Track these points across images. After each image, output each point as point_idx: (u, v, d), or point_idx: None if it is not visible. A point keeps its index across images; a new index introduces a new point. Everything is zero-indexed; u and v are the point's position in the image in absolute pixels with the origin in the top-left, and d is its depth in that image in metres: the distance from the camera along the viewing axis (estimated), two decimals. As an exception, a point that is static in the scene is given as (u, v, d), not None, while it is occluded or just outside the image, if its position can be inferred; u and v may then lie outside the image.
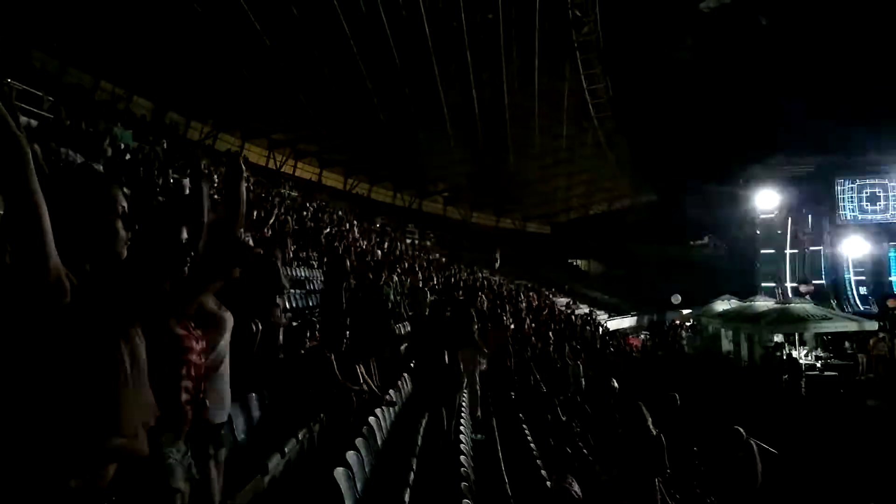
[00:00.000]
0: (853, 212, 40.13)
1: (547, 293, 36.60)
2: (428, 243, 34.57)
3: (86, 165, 4.20)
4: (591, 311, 36.50)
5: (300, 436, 4.78)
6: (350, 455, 4.30)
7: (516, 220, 51.38)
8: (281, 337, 6.40)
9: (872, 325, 19.38)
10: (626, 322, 41.69)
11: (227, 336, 2.59)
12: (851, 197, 40.44)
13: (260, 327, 5.31)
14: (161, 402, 1.92)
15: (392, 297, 8.92)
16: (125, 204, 1.70)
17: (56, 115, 12.95)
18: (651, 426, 6.07)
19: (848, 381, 16.76)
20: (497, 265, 30.21)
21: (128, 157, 12.63)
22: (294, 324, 7.50)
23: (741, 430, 6.55)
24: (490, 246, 39.32)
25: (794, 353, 18.30)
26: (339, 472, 3.89)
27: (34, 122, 11.36)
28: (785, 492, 7.70)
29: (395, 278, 10.95)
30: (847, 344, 20.10)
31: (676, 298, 41.37)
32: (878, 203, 40.05)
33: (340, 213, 26.23)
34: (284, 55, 24.60)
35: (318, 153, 36.55)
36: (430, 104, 31.55)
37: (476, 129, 35.00)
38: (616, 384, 6.74)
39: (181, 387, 1.98)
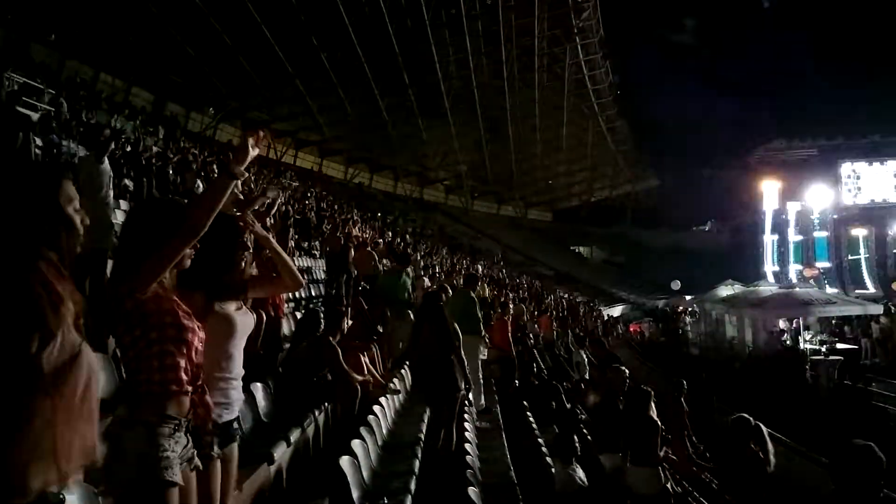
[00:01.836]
0: (857, 194, 39.92)
1: (549, 280, 36.60)
2: (429, 231, 34.52)
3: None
4: (592, 298, 36.57)
5: (306, 425, 4.80)
6: (355, 444, 4.31)
7: (517, 208, 51.30)
8: (285, 327, 6.41)
9: (877, 309, 19.34)
10: (628, 309, 41.70)
11: (237, 337, 2.57)
12: (855, 179, 40.23)
13: (264, 317, 5.32)
14: (164, 387, 1.93)
15: (407, 286, 8.91)
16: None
17: (57, 108, 12.93)
18: (653, 412, 6.07)
19: (853, 365, 16.73)
20: (499, 258, 30.24)
21: (128, 148, 12.60)
22: (298, 314, 7.50)
23: (748, 416, 6.52)
24: (491, 234, 39.40)
25: (799, 338, 18.27)
26: (344, 461, 3.90)
27: (35, 116, 11.33)
28: (793, 479, 7.72)
29: (411, 270, 10.94)
30: (846, 328, 20.08)
31: (676, 284, 41.35)
32: (882, 185, 39.85)
33: (341, 202, 26.22)
34: (283, 45, 24.51)
35: (319, 142, 36.46)
36: (430, 92, 31.44)
37: (477, 116, 34.89)
38: (626, 372, 6.74)
39: (181, 368, 1.98)
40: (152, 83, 25.25)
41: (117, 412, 1.93)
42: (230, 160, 2.12)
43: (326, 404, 5.37)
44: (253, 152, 2.11)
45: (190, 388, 2.01)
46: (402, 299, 8.61)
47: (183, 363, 1.98)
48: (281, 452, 4.09)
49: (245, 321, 2.64)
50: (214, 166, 13.32)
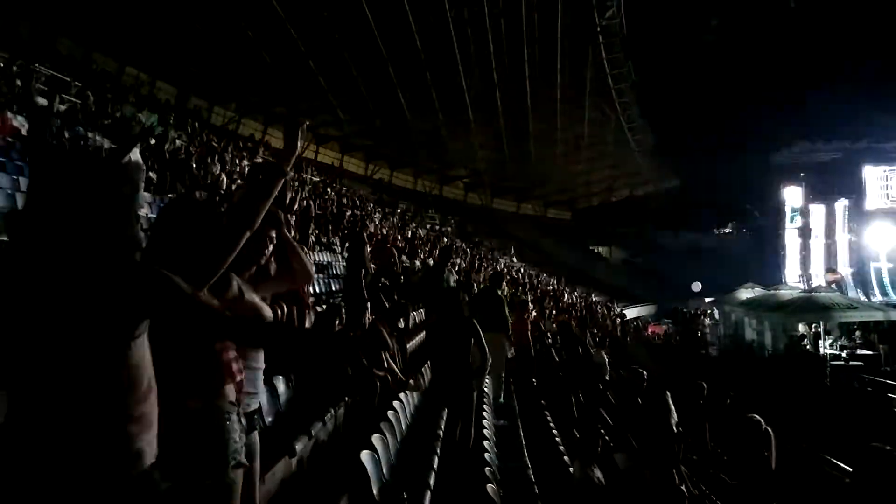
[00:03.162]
0: (881, 199, 39.24)
1: (568, 280, 36.46)
2: (448, 229, 34.53)
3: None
4: (611, 298, 36.37)
5: (326, 419, 4.84)
6: (376, 438, 4.34)
7: (537, 206, 51.10)
8: (308, 321, 6.44)
9: (900, 315, 19.02)
10: (646, 310, 41.43)
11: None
12: (880, 184, 39.55)
13: (285, 310, 5.36)
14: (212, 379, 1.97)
15: (451, 282, 8.95)
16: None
17: (83, 101, 13.11)
18: (673, 416, 6.05)
19: (873, 372, 16.49)
20: (514, 257, 30.12)
21: (153, 141, 12.74)
22: (318, 308, 7.55)
23: (759, 418, 6.50)
24: (511, 232, 39.31)
25: (819, 343, 18.04)
26: (365, 455, 3.93)
27: (62, 107, 11.50)
28: (802, 479, 7.64)
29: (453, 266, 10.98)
30: (858, 333, 19.78)
31: (697, 286, 41.00)
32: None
33: (362, 197, 26.32)
34: (306, 40, 24.63)
35: (340, 138, 36.59)
36: (451, 89, 31.42)
37: (497, 114, 34.81)
38: (645, 374, 6.73)
39: (232, 357, 2.03)
40: (176, 77, 25.51)
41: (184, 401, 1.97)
42: (281, 158, 2.17)
43: (347, 399, 5.41)
44: (300, 148, 2.15)
45: (239, 377, 2.06)
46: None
47: (233, 353, 2.03)
48: (302, 445, 4.13)
49: (268, 312, 2.68)
50: (237, 161, 13.45)
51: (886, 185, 39.24)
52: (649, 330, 32.25)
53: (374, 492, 3.84)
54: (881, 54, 33.64)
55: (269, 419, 4.22)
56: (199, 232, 2.02)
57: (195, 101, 27.21)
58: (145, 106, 18.28)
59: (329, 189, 24.00)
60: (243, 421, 2.09)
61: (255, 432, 2.57)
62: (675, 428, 6.07)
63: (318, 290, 9.85)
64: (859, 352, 18.34)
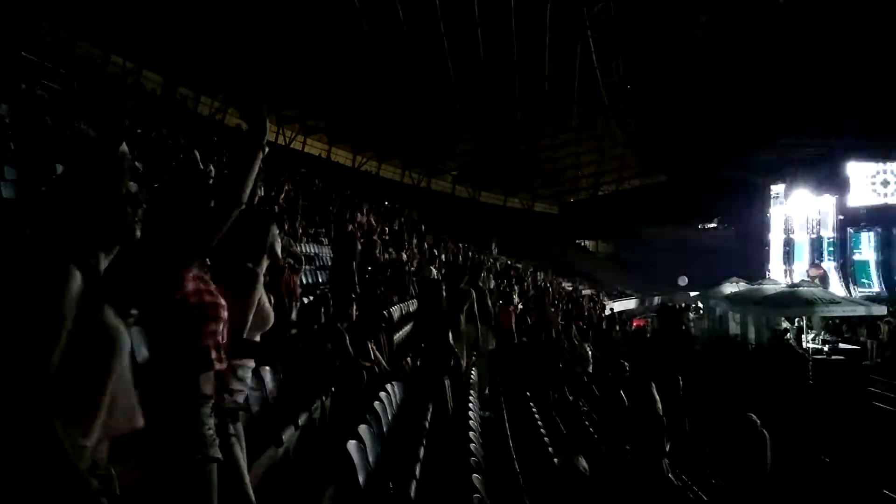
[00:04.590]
0: (865, 196, 39.71)
1: (553, 273, 36.59)
2: (436, 221, 34.47)
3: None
4: (597, 292, 36.55)
5: (313, 409, 4.85)
6: (362, 429, 4.36)
7: (524, 200, 51.20)
8: (294, 312, 6.46)
9: (881, 310, 19.29)
10: (632, 303, 41.69)
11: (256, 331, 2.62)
12: (864, 181, 40.00)
13: (272, 301, 5.36)
14: (192, 365, 1.97)
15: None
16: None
17: (68, 89, 12.95)
18: (659, 408, 6.12)
19: (855, 366, 16.73)
20: (495, 251, 30.13)
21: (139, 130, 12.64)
22: (306, 299, 7.55)
23: (755, 418, 6.51)
24: (498, 225, 39.34)
25: (803, 337, 18.27)
26: (351, 446, 3.94)
27: (46, 95, 11.35)
28: (793, 477, 7.75)
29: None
30: (844, 327, 20.06)
31: (683, 280, 41.31)
32: (889, 187, 39.64)
33: (348, 190, 26.25)
34: (292, 29, 24.45)
35: (327, 129, 36.39)
36: (439, 81, 31.36)
37: (485, 107, 34.79)
38: (627, 365, 6.78)
39: (209, 347, 2.01)
40: (163, 65, 25.22)
41: (157, 388, 1.97)
42: (255, 132, 2.18)
43: (333, 389, 5.43)
44: (267, 124, 2.18)
45: (219, 367, 2.05)
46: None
47: (214, 342, 2.02)
48: (289, 435, 4.15)
49: (271, 315, 2.70)
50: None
51: (871, 182, 39.72)
52: (634, 323, 32.45)
53: (361, 481, 3.86)
54: (870, 51, 33.89)
55: (255, 409, 4.23)
56: (189, 210, 2.03)
57: (182, 91, 26.92)
58: (132, 95, 18.11)
59: (317, 180, 23.91)
60: (221, 416, 2.08)
61: (239, 423, 2.57)
62: (662, 419, 6.13)
63: (305, 281, 9.84)
64: (841, 346, 18.60)
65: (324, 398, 5.20)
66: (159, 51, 23.78)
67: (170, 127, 16.97)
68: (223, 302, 2.09)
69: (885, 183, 39.69)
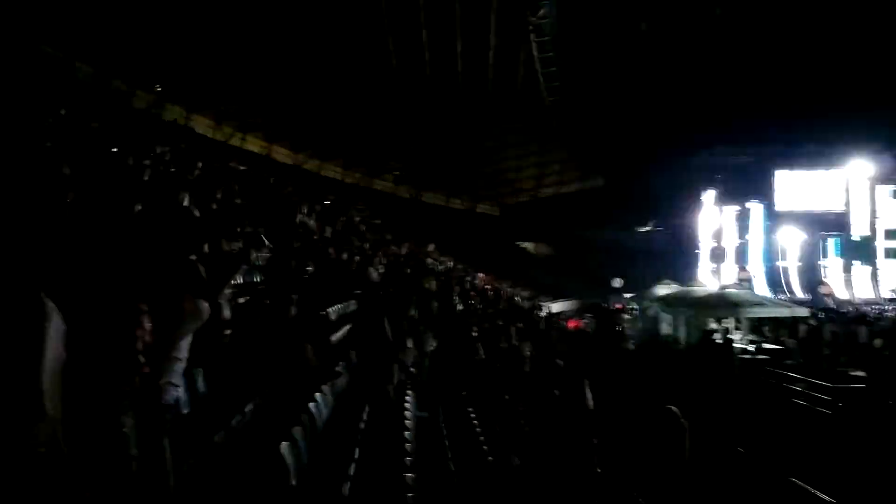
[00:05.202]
0: (790, 202, 41.73)
1: (494, 275, 37.00)
2: (377, 221, 34.35)
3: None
4: (536, 294, 37.13)
5: (246, 410, 4.81)
6: (296, 430, 4.36)
7: (466, 201, 51.54)
8: (226, 312, 6.36)
9: (804, 311, 20.39)
10: (570, 305, 42.39)
11: (189, 326, 2.63)
12: (789, 187, 42.05)
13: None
14: (116, 372, 1.96)
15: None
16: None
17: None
18: (589, 403, 6.31)
19: (777, 365, 17.54)
20: (433, 251, 30.33)
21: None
22: (240, 300, 7.45)
23: (676, 410, 6.78)
24: (440, 225, 39.53)
25: (731, 337, 19.06)
26: (284, 447, 3.95)
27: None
28: (712, 467, 8.09)
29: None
30: (766, 329, 21.08)
31: (618, 282, 42.26)
32: (814, 194, 41.76)
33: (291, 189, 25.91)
34: (230, 22, 23.97)
35: (266, 126, 35.71)
36: (381, 80, 31.28)
37: (427, 108, 34.88)
38: (560, 363, 6.99)
39: (135, 355, 2.02)
40: (95, 57, 24.22)
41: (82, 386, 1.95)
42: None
43: (267, 390, 5.39)
44: None
45: (145, 368, 2.05)
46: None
47: (140, 343, 2.03)
48: (221, 437, 4.11)
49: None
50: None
51: (796, 189, 41.81)
52: (571, 324, 33.09)
53: (293, 482, 3.87)
54: (799, 63, 35.60)
55: (186, 410, 4.18)
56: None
57: (116, 84, 25.94)
58: (63, 87, 17.39)
59: (257, 179, 23.51)
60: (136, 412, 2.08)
61: (167, 423, 2.57)
62: (592, 413, 6.32)
63: (240, 280, 9.68)
64: (765, 346, 19.50)
65: (257, 399, 5.17)
66: (91, 41, 22.84)
67: (102, 120, 16.42)
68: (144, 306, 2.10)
69: (810, 191, 41.83)
